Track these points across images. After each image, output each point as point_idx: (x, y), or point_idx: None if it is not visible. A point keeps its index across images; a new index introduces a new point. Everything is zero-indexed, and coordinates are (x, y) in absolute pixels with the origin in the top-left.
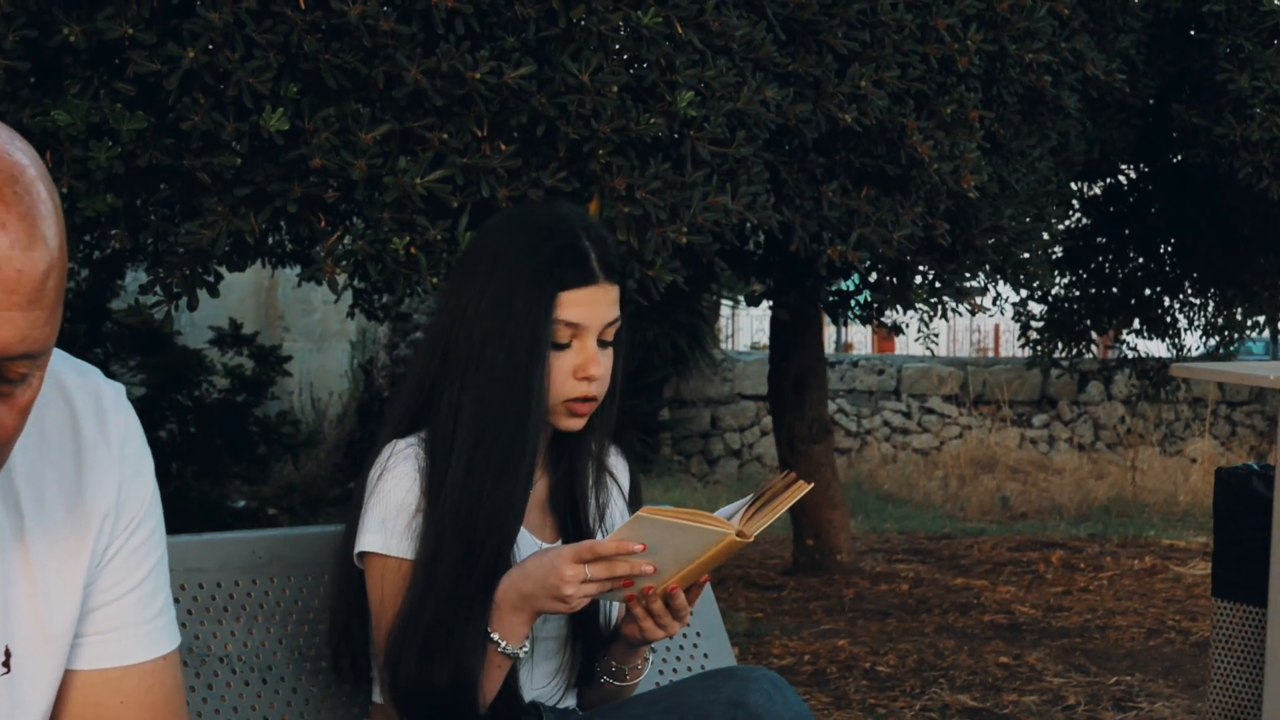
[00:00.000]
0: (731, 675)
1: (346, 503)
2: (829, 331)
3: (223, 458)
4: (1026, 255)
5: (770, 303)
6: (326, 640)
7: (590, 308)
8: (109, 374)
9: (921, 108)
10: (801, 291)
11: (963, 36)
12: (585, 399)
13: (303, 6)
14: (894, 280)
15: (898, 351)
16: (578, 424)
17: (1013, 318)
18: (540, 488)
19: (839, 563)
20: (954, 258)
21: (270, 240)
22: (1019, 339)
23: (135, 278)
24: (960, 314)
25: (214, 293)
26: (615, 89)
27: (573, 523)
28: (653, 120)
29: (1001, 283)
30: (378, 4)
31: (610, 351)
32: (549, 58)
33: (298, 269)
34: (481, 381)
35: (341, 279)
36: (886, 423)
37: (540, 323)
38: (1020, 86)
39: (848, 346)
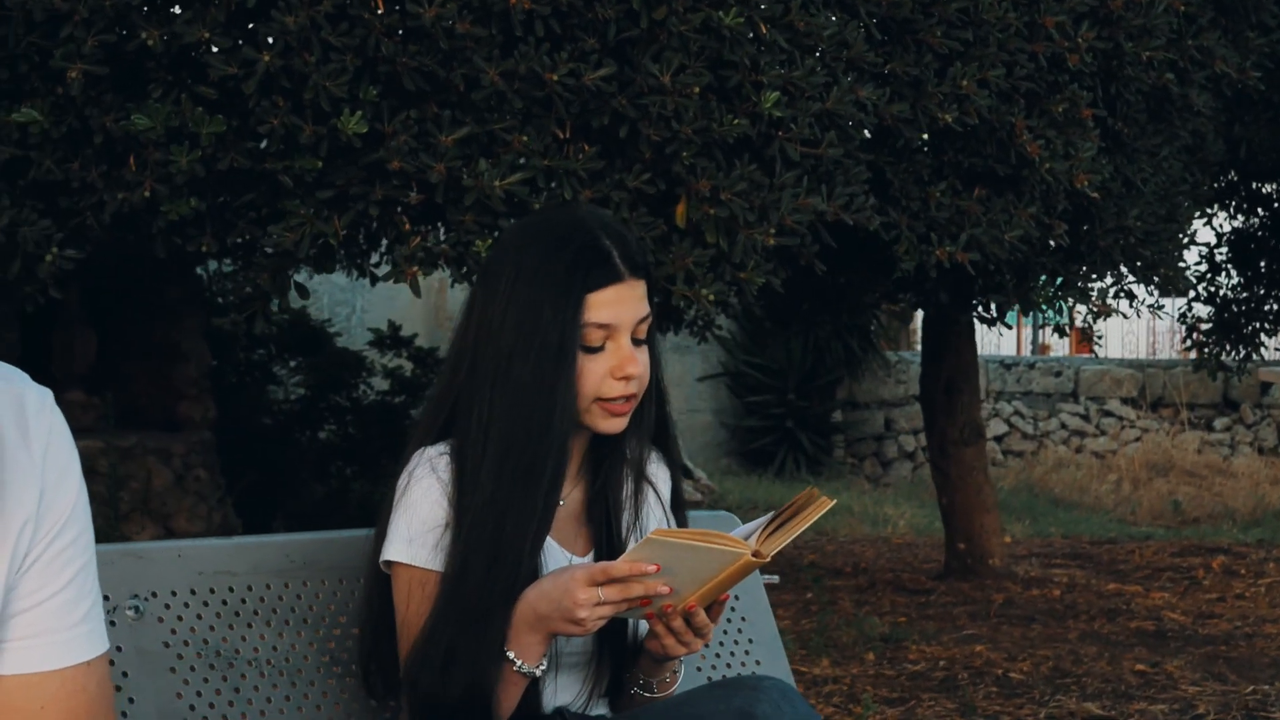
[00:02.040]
0: (741, 685)
1: None
2: (1024, 334)
3: (381, 458)
4: (1153, 255)
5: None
6: (357, 649)
7: (619, 306)
8: (269, 376)
9: (1033, 107)
10: (953, 295)
11: (1073, 34)
12: (625, 398)
13: (380, 9)
14: (1014, 281)
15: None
16: (618, 425)
17: (1177, 319)
18: (575, 498)
19: (991, 567)
20: (1078, 259)
21: (362, 242)
22: (1183, 341)
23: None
24: (1127, 316)
25: (304, 294)
26: (697, 90)
27: (606, 536)
28: (736, 121)
29: (1143, 285)
30: (455, 6)
31: (646, 349)
32: (630, 59)
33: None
34: (509, 395)
35: (423, 280)
36: (1064, 425)
37: (569, 329)
38: (1143, 85)
39: (1044, 349)
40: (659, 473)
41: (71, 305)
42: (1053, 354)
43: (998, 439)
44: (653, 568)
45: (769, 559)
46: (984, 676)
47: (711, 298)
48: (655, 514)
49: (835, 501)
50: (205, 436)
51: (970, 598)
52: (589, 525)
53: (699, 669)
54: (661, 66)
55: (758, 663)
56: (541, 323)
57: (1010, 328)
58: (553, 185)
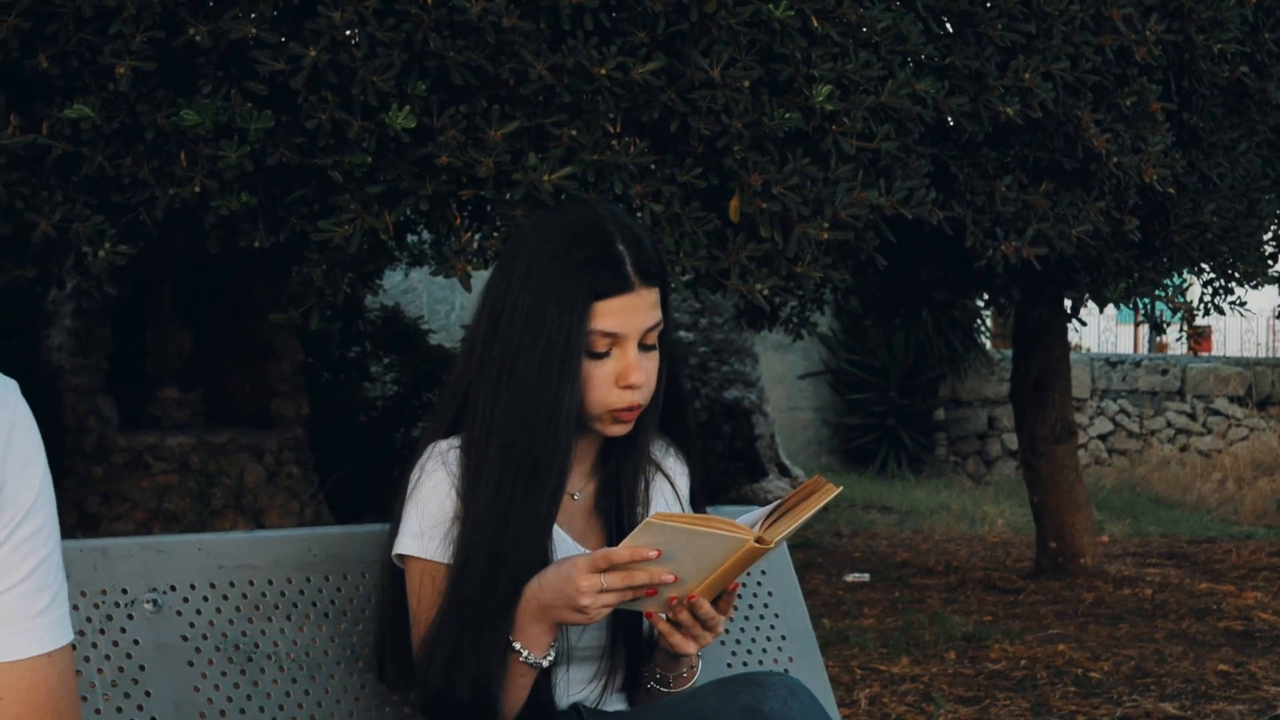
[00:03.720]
0: (750, 681)
1: None
2: (1140, 331)
3: None
4: (1231, 250)
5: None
6: (373, 642)
7: (627, 316)
8: (363, 373)
9: (1100, 100)
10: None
11: (1141, 27)
12: (629, 408)
13: (428, 3)
14: (1087, 278)
15: (1215, 352)
16: (621, 430)
17: (1275, 315)
18: (587, 493)
19: (1082, 566)
20: (1152, 255)
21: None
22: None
23: (391, 277)
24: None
25: (374, 291)
26: (747, 84)
27: (617, 530)
28: (788, 115)
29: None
30: (503, 0)
31: (654, 355)
32: (679, 52)
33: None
34: (513, 393)
35: (474, 275)
36: (1169, 424)
37: (573, 335)
38: (1217, 78)
39: (1162, 346)
40: (677, 468)
41: (165, 303)
42: (1169, 353)
43: (1102, 437)
44: (653, 553)
45: (773, 546)
46: (1063, 676)
47: (766, 292)
48: (671, 510)
49: (841, 489)
50: (298, 433)
51: (1059, 597)
52: (599, 519)
53: (729, 665)
54: (711, 60)
55: (790, 659)
56: (547, 323)
57: (1085, 324)
58: (603, 180)
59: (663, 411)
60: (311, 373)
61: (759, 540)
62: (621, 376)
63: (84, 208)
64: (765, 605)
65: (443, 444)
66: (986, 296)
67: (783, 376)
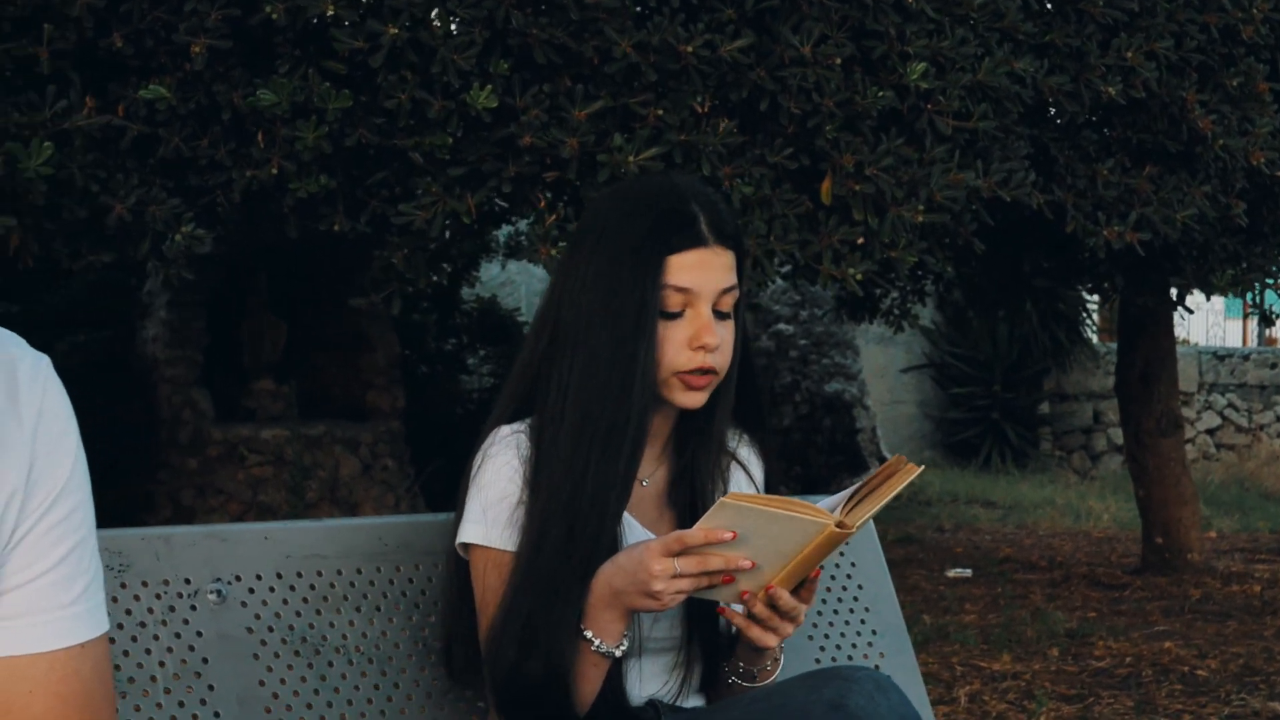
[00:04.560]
0: (835, 675)
1: None
2: (1248, 325)
3: None
4: None
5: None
6: (441, 634)
7: (701, 271)
8: (460, 365)
9: (1205, 80)
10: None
11: (1247, 5)
12: (701, 370)
13: None
14: (1193, 264)
15: None
16: (695, 399)
17: None
18: (659, 479)
19: (1190, 562)
20: (1259, 240)
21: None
22: None
23: (488, 269)
24: None
25: (471, 283)
26: (839, 61)
27: (690, 519)
28: (881, 94)
29: None
30: None
31: (730, 324)
32: (769, 29)
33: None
34: (587, 358)
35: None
36: (1279, 418)
37: (647, 290)
38: None
39: (1270, 340)
40: (751, 458)
41: (260, 295)
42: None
43: (1210, 432)
44: (728, 534)
45: (855, 530)
46: (1169, 674)
47: (859, 277)
48: None
49: (923, 468)
50: (393, 426)
51: (1166, 593)
52: (672, 508)
53: (816, 660)
54: (802, 37)
55: (881, 655)
56: (621, 284)
57: (1191, 312)
58: (690, 161)
59: (737, 399)
60: (408, 365)
61: (840, 524)
62: (695, 337)
63: (160, 190)
64: (855, 599)
65: (505, 429)
66: (1090, 285)
67: (885, 370)
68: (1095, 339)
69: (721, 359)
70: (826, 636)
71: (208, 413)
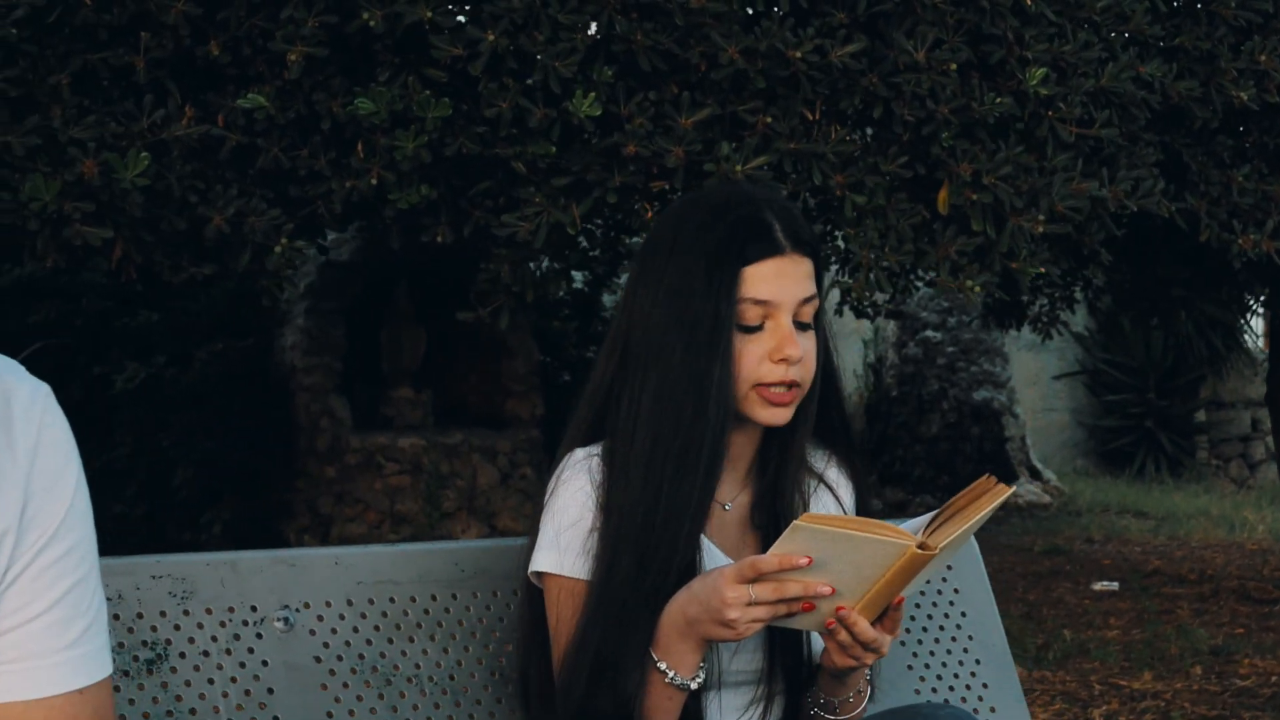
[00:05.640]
0: (916, 713)
1: None
2: None
3: None
4: None
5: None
6: (516, 666)
7: (779, 281)
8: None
9: None
10: (1274, 288)
11: None
12: (785, 384)
13: None
14: None
15: None
16: (779, 415)
17: None
18: (742, 503)
19: None
20: None
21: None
22: None
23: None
24: None
25: (612, 290)
26: (954, 66)
27: (772, 542)
28: (999, 100)
29: None
30: None
31: (811, 335)
32: (881, 34)
33: None
34: (660, 377)
35: None
36: None
37: (722, 304)
38: None
39: None
40: (840, 480)
41: (400, 302)
42: None
43: None
44: (803, 560)
45: (938, 552)
46: None
47: (977, 289)
48: None
49: (1013, 489)
50: (532, 434)
51: None
52: (755, 532)
53: (916, 691)
54: (916, 42)
55: (985, 685)
56: (695, 298)
57: None
58: (801, 170)
59: (822, 417)
60: (547, 372)
61: (922, 546)
62: (776, 350)
63: (259, 201)
64: (958, 627)
65: (579, 452)
66: (1228, 294)
67: (1037, 377)
68: (1260, 344)
69: (804, 372)
70: (927, 666)
71: (346, 421)
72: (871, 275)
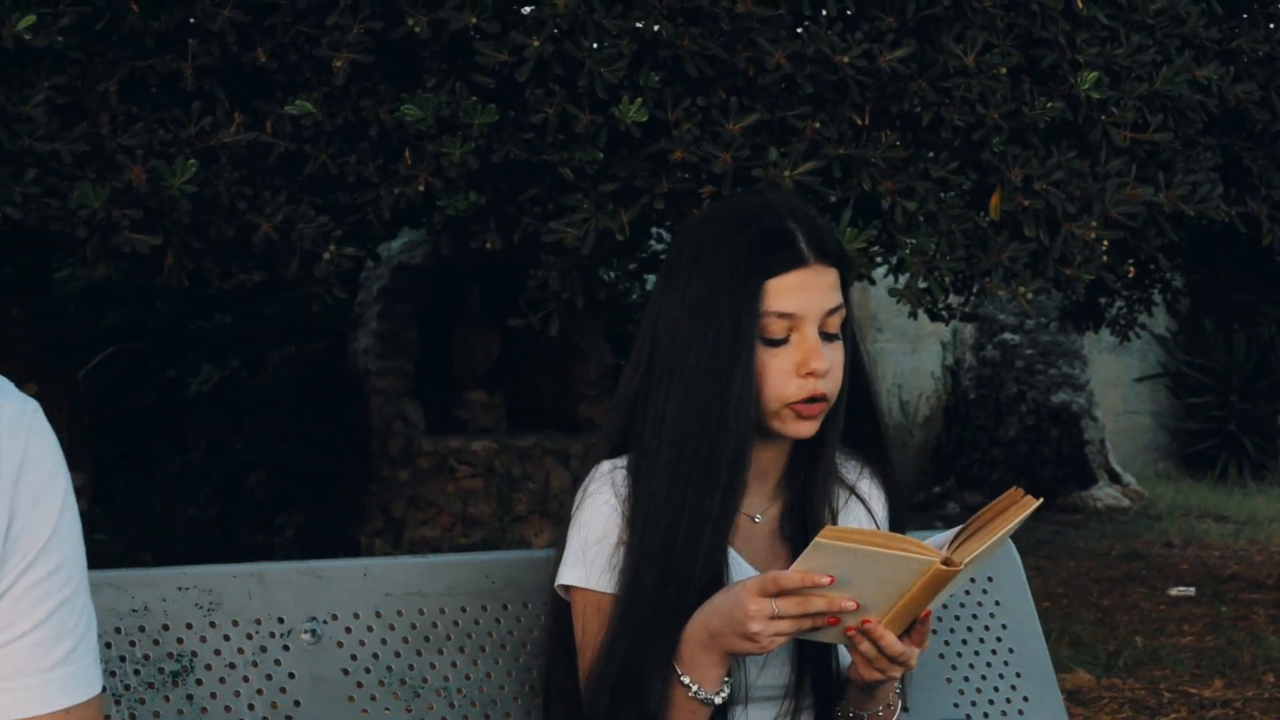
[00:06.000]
0: None
1: (926, 509)
2: None
3: None
4: None
5: None
6: (540, 679)
7: (803, 293)
8: None
9: None
10: None
11: None
12: (812, 399)
13: None
14: None
15: None
16: (808, 428)
17: None
18: (770, 515)
19: None
20: None
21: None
22: None
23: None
24: None
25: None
26: (1005, 71)
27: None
28: (1050, 104)
29: None
30: None
31: (838, 346)
32: (930, 38)
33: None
34: (684, 389)
35: None
36: None
37: (744, 317)
38: None
39: None
40: (873, 491)
41: (472, 305)
42: None
43: None
44: (826, 579)
45: (962, 568)
46: None
47: (1030, 296)
48: None
49: (1041, 501)
50: None
51: None
52: (786, 543)
53: (955, 704)
54: (966, 46)
55: (1025, 699)
56: (718, 310)
57: None
58: (849, 176)
59: (854, 427)
60: (620, 376)
61: (947, 561)
62: (802, 364)
63: (308, 208)
64: (999, 639)
65: (605, 464)
66: None
67: (1118, 380)
68: None
69: (831, 384)
70: (966, 679)
71: (418, 424)
72: (924, 281)
